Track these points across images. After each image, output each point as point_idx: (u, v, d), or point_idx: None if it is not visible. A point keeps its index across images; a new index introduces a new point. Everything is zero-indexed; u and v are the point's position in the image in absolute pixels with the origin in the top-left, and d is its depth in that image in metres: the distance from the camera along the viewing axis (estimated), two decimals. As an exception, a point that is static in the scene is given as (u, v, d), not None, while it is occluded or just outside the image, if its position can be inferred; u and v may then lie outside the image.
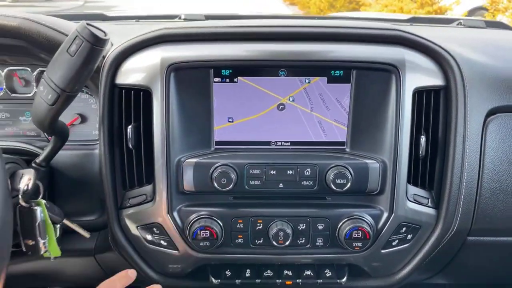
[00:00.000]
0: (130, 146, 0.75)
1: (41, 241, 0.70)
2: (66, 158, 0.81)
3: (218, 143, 0.78)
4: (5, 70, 0.83)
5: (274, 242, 0.75)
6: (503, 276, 1.07)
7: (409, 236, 0.79)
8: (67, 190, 0.82)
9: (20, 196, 0.68)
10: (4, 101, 0.85)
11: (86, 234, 0.78)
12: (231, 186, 0.73)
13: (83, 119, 0.87)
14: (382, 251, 0.78)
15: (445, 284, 1.23)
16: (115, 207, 0.78)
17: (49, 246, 0.72)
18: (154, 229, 0.77)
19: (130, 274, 0.73)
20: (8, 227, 0.54)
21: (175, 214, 0.76)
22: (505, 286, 1.31)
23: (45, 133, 0.84)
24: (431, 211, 0.79)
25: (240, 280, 0.80)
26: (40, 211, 0.70)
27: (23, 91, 0.85)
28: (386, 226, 0.76)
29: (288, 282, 0.81)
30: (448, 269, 0.95)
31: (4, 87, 0.84)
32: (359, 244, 0.75)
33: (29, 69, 0.84)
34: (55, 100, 0.64)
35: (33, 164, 0.73)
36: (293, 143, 0.78)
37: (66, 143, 0.75)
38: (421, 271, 0.89)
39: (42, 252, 0.71)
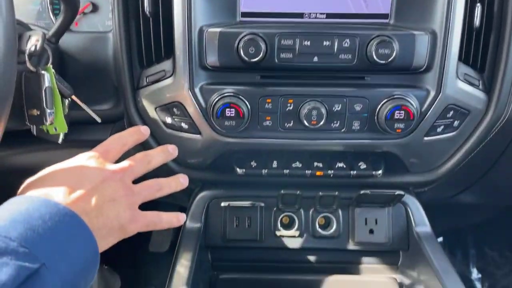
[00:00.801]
0: (147, 13, 0.67)
1: (47, 111, 0.64)
2: (78, 41, 0.75)
3: (244, 14, 0.69)
4: None
5: (306, 123, 0.67)
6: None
7: (456, 123, 0.71)
8: (78, 75, 0.75)
9: (27, 59, 0.62)
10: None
11: (97, 117, 0.72)
12: (259, 56, 0.65)
13: (95, 7, 0.79)
14: (425, 138, 0.71)
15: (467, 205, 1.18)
16: (132, 87, 0.72)
17: (55, 119, 0.66)
18: (174, 109, 0.70)
19: (143, 131, 0.63)
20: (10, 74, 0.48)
21: (197, 91, 0.68)
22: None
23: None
24: (481, 95, 0.71)
25: (266, 170, 0.74)
26: (48, 78, 0.63)
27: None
28: (432, 108, 0.68)
29: (319, 173, 0.74)
30: (485, 179, 0.88)
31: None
32: (402, 126, 0.67)
33: None
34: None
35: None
36: (329, 15, 0.69)
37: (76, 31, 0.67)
38: (459, 177, 0.82)
39: (47, 123, 0.64)
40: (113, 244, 0.53)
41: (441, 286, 0.62)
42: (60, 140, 0.71)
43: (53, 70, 0.66)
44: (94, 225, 0.48)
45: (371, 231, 0.76)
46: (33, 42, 0.62)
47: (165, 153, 0.63)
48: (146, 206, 1.28)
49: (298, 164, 0.75)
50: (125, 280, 1.27)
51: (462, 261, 1.53)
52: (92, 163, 0.55)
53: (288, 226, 0.78)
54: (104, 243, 0.50)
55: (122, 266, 1.30)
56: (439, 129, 0.71)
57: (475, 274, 1.51)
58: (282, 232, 0.77)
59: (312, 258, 0.79)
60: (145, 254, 1.42)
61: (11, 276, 0.36)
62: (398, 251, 0.78)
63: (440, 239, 1.54)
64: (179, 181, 0.62)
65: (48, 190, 0.49)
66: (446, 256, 0.68)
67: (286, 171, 0.74)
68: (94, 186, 0.51)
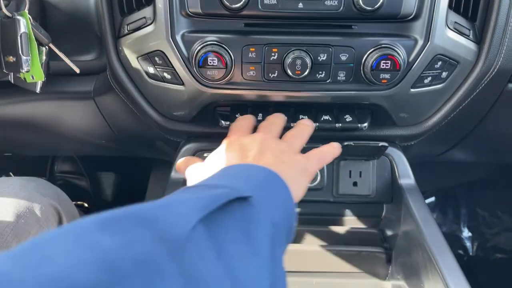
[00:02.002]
0: (126, -45, 0.64)
1: (23, 58, 0.63)
2: (58, -12, 0.72)
3: (228, -42, 0.66)
4: None
5: (290, 72, 0.66)
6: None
7: (444, 74, 0.69)
8: (61, 25, 0.73)
9: (2, 5, 0.60)
10: None
11: (75, 67, 0.70)
12: (242, 2, 0.62)
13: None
14: (412, 89, 0.69)
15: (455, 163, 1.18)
16: (113, 36, 0.70)
17: (32, 67, 0.65)
18: (156, 58, 0.68)
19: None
20: None
21: (179, 38, 0.66)
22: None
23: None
24: (472, 45, 0.69)
25: (251, 123, 0.73)
26: (24, 23, 0.62)
27: None
28: (419, 58, 0.66)
29: (304, 126, 0.73)
30: (473, 136, 0.87)
31: None
32: (387, 76, 0.66)
33: None
34: None
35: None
36: (316, -41, 0.67)
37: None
38: (445, 132, 0.81)
39: (24, 70, 0.63)
40: (306, 187, 0.56)
41: (421, 236, 0.63)
42: (38, 89, 0.70)
43: (29, 16, 0.64)
44: (282, 171, 0.50)
45: (355, 184, 0.76)
46: (8, -13, 0.60)
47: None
48: (139, 161, 1.26)
49: (283, 117, 0.74)
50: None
51: (453, 220, 1.55)
52: (241, 139, 0.60)
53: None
54: (300, 186, 0.54)
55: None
56: (426, 81, 0.69)
57: (465, 233, 1.53)
58: (266, 184, 0.77)
59: (296, 210, 0.79)
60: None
61: (225, 193, 0.39)
62: (382, 203, 0.78)
63: (432, 198, 1.55)
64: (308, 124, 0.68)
65: (225, 162, 0.55)
66: (427, 208, 0.69)
67: (271, 124, 0.73)
68: (261, 146, 0.56)
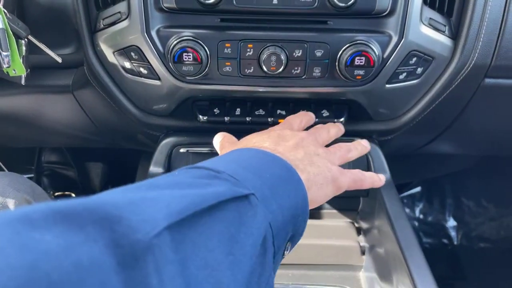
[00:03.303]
0: (99, -50, 0.64)
1: (3, 53, 0.63)
2: (35, -18, 0.72)
3: (202, -47, 0.66)
4: None
5: (265, 69, 0.66)
6: (509, 140, 1.01)
7: (419, 70, 0.70)
8: (38, 18, 0.72)
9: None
10: None
11: (57, 57, 0.70)
12: (216, -2, 0.62)
13: None
14: (387, 85, 0.70)
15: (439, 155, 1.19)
16: (88, 30, 0.70)
17: (12, 62, 0.65)
18: (132, 53, 0.69)
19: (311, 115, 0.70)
20: None
21: (154, 34, 0.66)
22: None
23: None
24: (447, 41, 0.69)
25: (229, 118, 0.74)
26: (0, 19, 0.62)
27: None
28: (394, 54, 0.66)
29: (281, 120, 0.73)
30: (452, 130, 0.88)
31: None
32: (361, 73, 0.66)
33: None
34: None
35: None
36: (291, -46, 0.66)
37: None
38: (424, 127, 0.82)
39: (5, 66, 0.64)
40: (330, 198, 0.53)
41: (391, 230, 0.64)
42: (23, 81, 0.71)
43: (4, 10, 0.64)
44: (309, 172, 0.48)
45: (332, 178, 0.77)
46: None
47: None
48: (127, 152, 1.26)
49: (261, 112, 0.75)
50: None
51: (439, 210, 1.57)
52: (285, 130, 0.59)
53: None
54: (322, 193, 0.50)
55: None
56: (401, 76, 0.70)
57: (451, 222, 1.56)
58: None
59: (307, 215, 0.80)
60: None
61: (222, 192, 0.36)
62: (359, 197, 0.79)
63: (418, 188, 1.57)
64: (363, 145, 0.66)
65: (260, 144, 0.53)
66: (400, 202, 0.70)
67: (248, 119, 0.74)
68: (298, 142, 0.54)
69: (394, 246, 0.62)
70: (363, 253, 0.74)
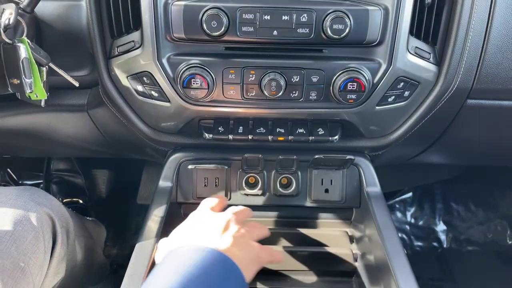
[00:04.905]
0: (115, -15, 0.70)
1: (26, 80, 0.69)
2: (52, 9, 0.77)
3: (209, -13, 0.72)
4: None
5: (266, 93, 0.73)
6: (492, 153, 1.07)
7: (406, 93, 0.77)
8: (55, 42, 0.78)
9: (2, 31, 0.66)
10: None
11: (74, 82, 0.76)
12: (222, 30, 0.69)
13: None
14: (377, 107, 0.77)
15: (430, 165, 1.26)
16: (104, 56, 0.76)
17: (34, 87, 0.71)
18: (144, 78, 0.75)
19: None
20: None
21: (164, 61, 0.73)
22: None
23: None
24: (432, 67, 0.76)
25: (232, 136, 0.80)
26: (24, 49, 0.67)
27: None
28: (383, 79, 0.73)
29: (280, 138, 0.80)
30: (440, 143, 0.95)
31: None
32: (353, 97, 0.73)
33: None
34: None
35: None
36: (289, -11, 0.73)
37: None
38: (413, 141, 0.89)
39: (28, 92, 0.70)
40: (254, 274, 0.61)
41: (379, 239, 0.71)
42: (42, 104, 0.76)
43: (28, 41, 0.69)
44: (238, 258, 0.56)
45: (327, 191, 0.84)
46: (7, 16, 0.65)
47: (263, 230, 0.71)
48: (131, 159, 1.31)
49: (262, 130, 0.81)
50: (111, 231, 1.37)
51: (429, 214, 1.64)
52: (210, 213, 0.67)
53: (253, 185, 0.85)
54: (250, 273, 0.58)
55: (109, 217, 1.40)
56: (390, 99, 0.76)
57: (441, 226, 1.63)
58: (247, 191, 0.84)
59: (274, 213, 0.87)
60: (133, 206, 1.52)
61: None
62: (351, 208, 0.86)
63: (410, 194, 1.64)
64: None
65: (194, 237, 0.61)
66: (389, 214, 0.77)
67: (250, 136, 0.80)
68: (225, 227, 0.62)
69: (382, 254, 0.69)
70: (355, 260, 0.80)
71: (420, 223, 1.62)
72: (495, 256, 1.56)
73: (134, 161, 1.45)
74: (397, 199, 1.63)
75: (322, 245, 0.83)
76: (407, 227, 1.62)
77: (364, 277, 0.77)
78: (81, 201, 1.37)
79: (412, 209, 1.64)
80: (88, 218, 1.23)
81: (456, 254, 1.56)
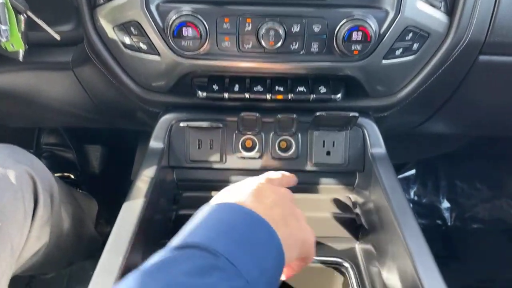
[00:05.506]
0: None
1: (2, 27, 0.63)
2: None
3: None
4: None
5: (264, 44, 0.67)
6: (501, 120, 1.02)
7: (415, 46, 0.71)
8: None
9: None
10: None
11: (55, 34, 0.71)
12: (215, -28, 0.63)
13: None
14: (384, 61, 0.71)
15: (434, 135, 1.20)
16: (88, 5, 0.70)
17: (11, 37, 0.66)
18: (132, 28, 0.69)
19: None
20: None
21: (153, 9, 0.67)
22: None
23: None
24: (443, 17, 0.70)
25: (227, 94, 0.75)
26: (-1, -8, 0.62)
27: None
28: (390, 29, 0.67)
29: (279, 97, 0.75)
30: (447, 108, 0.90)
31: None
32: (359, 48, 0.67)
33: None
34: None
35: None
36: None
37: None
38: (419, 104, 0.83)
39: (3, 40, 0.64)
40: (294, 260, 0.52)
41: (387, 203, 0.66)
42: (20, 57, 0.71)
43: (3, -16, 0.64)
44: (281, 234, 0.48)
45: (328, 153, 0.79)
46: (-22, -47, 0.60)
47: None
48: (125, 134, 1.25)
49: (259, 88, 0.76)
50: (105, 208, 1.32)
51: (433, 192, 1.60)
52: (265, 185, 0.56)
53: (250, 148, 0.80)
54: (288, 255, 0.49)
55: (103, 194, 1.35)
56: (397, 52, 0.71)
57: (445, 204, 1.58)
58: (243, 154, 0.79)
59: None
60: (127, 183, 1.47)
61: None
62: (355, 172, 0.81)
63: (413, 171, 1.59)
64: None
65: (243, 198, 0.51)
66: (395, 176, 0.71)
67: (247, 95, 0.75)
68: (276, 200, 0.53)
69: (389, 218, 0.64)
70: (358, 225, 0.76)
71: (424, 200, 1.58)
72: (501, 235, 1.52)
73: (128, 136, 1.40)
74: (400, 176, 1.58)
75: (323, 210, 0.78)
76: (410, 205, 1.57)
77: (369, 243, 0.72)
78: (72, 176, 1.32)
79: (415, 187, 1.59)
80: (78, 190, 1.18)
81: (461, 232, 1.52)
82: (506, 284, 1.34)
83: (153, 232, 0.70)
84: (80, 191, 1.20)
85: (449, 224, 1.55)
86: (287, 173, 0.65)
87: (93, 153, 1.46)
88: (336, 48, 0.69)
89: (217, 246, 0.41)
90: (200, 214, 0.47)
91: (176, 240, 0.44)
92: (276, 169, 0.81)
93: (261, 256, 0.44)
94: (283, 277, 0.60)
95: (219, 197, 0.53)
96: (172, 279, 0.37)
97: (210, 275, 0.38)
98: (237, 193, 0.53)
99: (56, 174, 1.30)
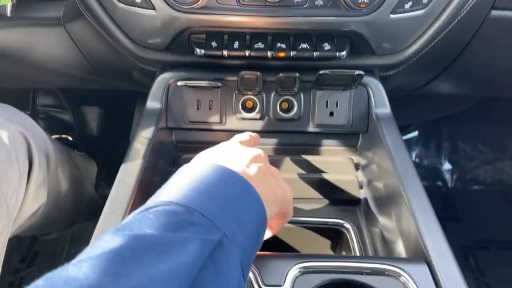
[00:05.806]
0: None
1: (-14, -22, 0.60)
2: None
3: None
4: None
5: (265, -4, 0.64)
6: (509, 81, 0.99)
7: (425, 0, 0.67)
8: None
9: None
10: None
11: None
12: None
13: None
14: (392, 15, 0.67)
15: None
16: (77, -45, 0.66)
17: (-3, -12, 0.62)
18: (124, -20, 0.65)
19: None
20: None
21: (147, -42, 0.63)
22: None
23: None
24: (456, -33, 0.66)
25: (227, 52, 0.71)
26: None
27: None
28: (399, -20, 0.63)
29: (281, 54, 0.71)
30: (454, 67, 0.86)
31: None
32: (366, 0, 0.63)
33: None
34: None
35: None
36: None
37: None
38: (427, 62, 0.80)
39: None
40: (274, 215, 0.52)
41: (390, 164, 0.64)
42: (8, 12, 0.67)
43: None
44: (260, 191, 0.46)
45: (331, 114, 0.76)
46: None
47: None
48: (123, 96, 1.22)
49: (260, 45, 0.72)
50: (105, 170, 1.31)
51: (435, 154, 1.58)
52: (240, 146, 0.56)
53: (250, 109, 0.77)
54: (269, 211, 0.48)
55: (102, 156, 1.33)
56: (406, 6, 0.67)
57: (446, 166, 1.57)
58: (243, 114, 0.77)
59: (273, 140, 0.80)
60: (125, 144, 1.45)
61: (198, 252, 0.36)
62: (358, 134, 0.79)
63: (415, 133, 1.57)
64: None
65: (217, 158, 0.50)
66: (400, 137, 0.69)
67: (247, 52, 0.71)
68: (253, 159, 0.52)
69: (393, 179, 0.63)
70: (361, 187, 0.75)
71: (425, 162, 1.57)
72: (501, 196, 1.52)
73: (126, 98, 1.37)
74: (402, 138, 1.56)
75: (324, 172, 0.76)
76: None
77: (371, 205, 0.71)
78: (70, 138, 1.30)
79: (417, 149, 1.57)
80: (76, 151, 1.17)
81: (461, 194, 1.52)
82: (503, 245, 1.36)
83: (152, 194, 0.69)
84: (78, 152, 1.19)
85: (449, 185, 1.54)
86: (253, 134, 0.64)
87: (91, 115, 1.44)
88: (342, 1, 0.65)
89: (190, 202, 0.40)
90: (174, 176, 0.46)
91: (149, 201, 0.43)
92: (277, 131, 0.79)
93: (238, 209, 0.43)
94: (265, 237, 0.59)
95: (193, 161, 0.52)
96: (143, 234, 0.36)
97: (183, 230, 0.37)
98: (212, 155, 0.52)
99: (53, 136, 1.29)
